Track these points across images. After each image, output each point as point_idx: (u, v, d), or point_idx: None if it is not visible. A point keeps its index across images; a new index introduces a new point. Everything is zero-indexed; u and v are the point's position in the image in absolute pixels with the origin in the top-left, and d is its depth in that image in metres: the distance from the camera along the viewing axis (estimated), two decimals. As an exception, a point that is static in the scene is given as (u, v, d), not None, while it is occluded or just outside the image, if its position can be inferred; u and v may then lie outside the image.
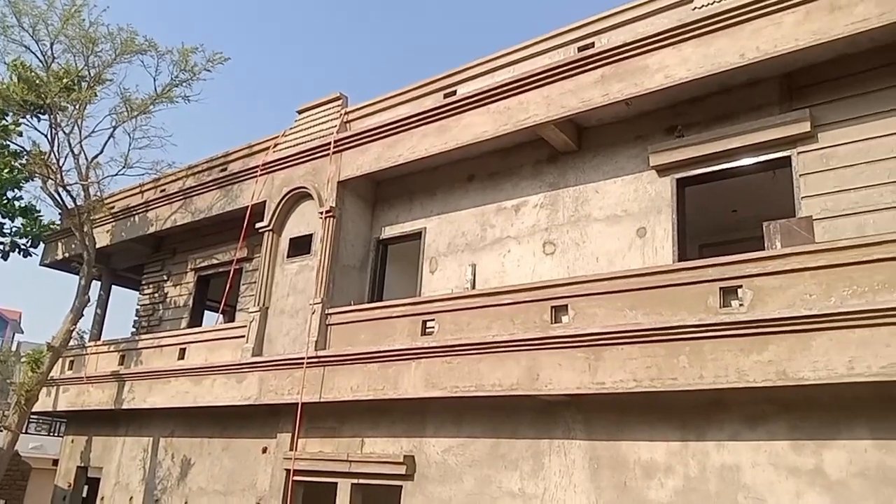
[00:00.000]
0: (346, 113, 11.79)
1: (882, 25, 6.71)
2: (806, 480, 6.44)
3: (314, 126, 12.01)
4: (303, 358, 10.06)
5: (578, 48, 9.31)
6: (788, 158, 7.56)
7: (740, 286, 6.90)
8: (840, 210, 7.09)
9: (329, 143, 11.13)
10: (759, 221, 7.43)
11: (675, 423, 7.29)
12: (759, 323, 6.54)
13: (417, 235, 10.67)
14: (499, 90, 9.32)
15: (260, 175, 12.07)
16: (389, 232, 11.10)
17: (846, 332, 6.07)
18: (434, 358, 8.70)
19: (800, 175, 7.42)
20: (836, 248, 6.48)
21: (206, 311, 14.65)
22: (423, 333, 9.18)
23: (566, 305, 8.00)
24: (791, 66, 7.60)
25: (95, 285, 15.32)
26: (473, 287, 9.56)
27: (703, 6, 8.10)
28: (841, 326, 6.10)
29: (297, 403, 9.96)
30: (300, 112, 12.52)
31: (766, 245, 7.16)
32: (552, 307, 8.09)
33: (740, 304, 6.86)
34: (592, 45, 9.15)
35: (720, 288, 7.03)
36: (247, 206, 12.04)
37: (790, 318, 6.38)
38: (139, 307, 15.08)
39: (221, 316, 14.57)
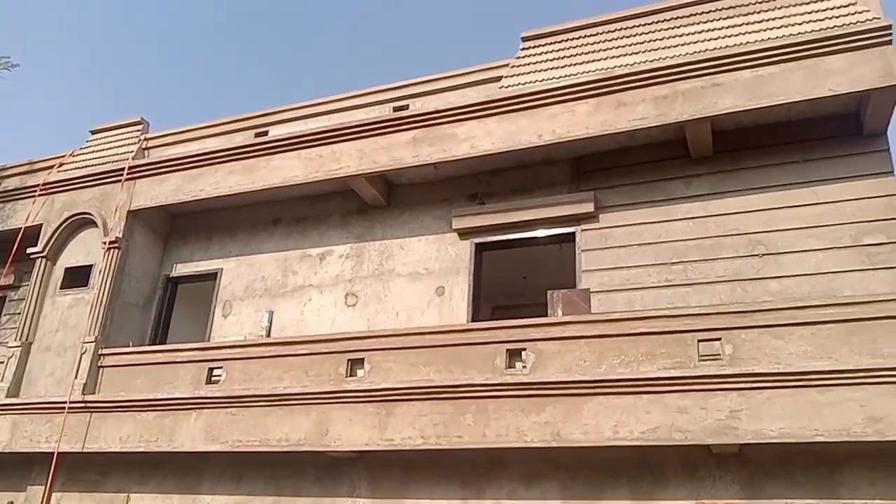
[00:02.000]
0: (146, 139, 11.11)
1: (658, 125, 7.63)
2: (571, 537, 6.84)
3: (108, 149, 11.15)
4: (66, 402, 9.04)
5: (393, 108, 9.59)
6: (573, 234, 8.23)
7: (525, 349, 7.33)
8: (614, 285, 7.81)
9: (123, 169, 10.35)
10: (545, 289, 7.97)
11: (457, 482, 7.45)
12: (538, 385, 6.96)
13: (213, 276, 10.15)
14: (313, 137, 9.28)
15: (39, 195, 10.89)
16: (182, 270, 10.46)
17: (613, 399, 6.63)
18: (218, 409, 8.23)
19: (582, 250, 8.10)
20: (608, 319, 7.12)
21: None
22: (209, 382, 8.67)
23: (363, 359, 7.98)
24: (581, 151, 8.36)
25: None
26: (269, 335, 9.24)
27: (509, 86, 8.70)
28: (609, 392, 6.66)
29: (54, 453, 8.90)
30: (94, 132, 11.59)
31: (549, 312, 7.68)
32: (349, 360, 8.04)
33: (524, 367, 7.26)
34: (407, 107, 9.47)
35: (507, 350, 7.41)
36: (19, 228, 10.78)
37: (566, 382, 6.85)
38: None
39: (-28, 349, 12.75)
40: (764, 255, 7.24)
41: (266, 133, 10.29)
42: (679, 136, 7.86)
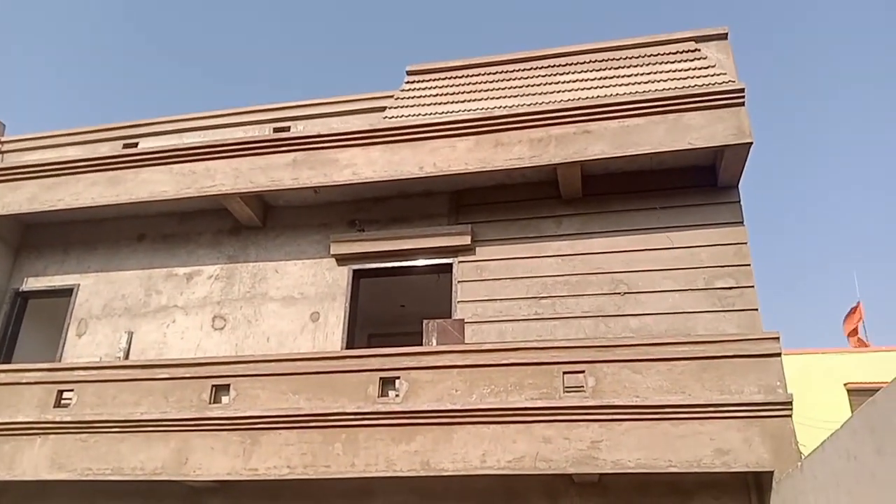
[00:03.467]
0: (1, 142, 10.28)
1: (532, 166, 7.99)
2: (436, 567, 6.88)
3: (-46, 149, 10.22)
4: None
5: (274, 129, 9.45)
6: (451, 265, 8.41)
7: (398, 377, 7.34)
8: (487, 316, 8.03)
9: (-29, 172, 9.52)
10: (422, 318, 8.07)
11: (323, 512, 7.31)
12: (410, 414, 6.99)
13: (68, 292, 9.48)
14: (186, 152, 8.96)
15: None
16: (33, 284, 9.70)
17: (482, 428, 6.78)
18: (67, 434, 7.65)
19: (458, 281, 8.28)
20: (480, 349, 7.30)
21: None
22: (58, 405, 8.02)
23: (228, 385, 7.69)
24: (460, 185, 8.60)
25: None
26: (127, 357, 8.72)
27: (393, 117, 8.83)
28: (478, 422, 6.80)
29: None
30: (-62, 130, 10.59)
31: (424, 341, 7.77)
32: (213, 386, 7.71)
33: (396, 395, 7.27)
34: (288, 128, 9.37)
35: (381, 378, 7.39)
36: None
37: (437, 411, 6.94)
38: None
39: None
40: (625, 293, 7.71)
41: (135, 145, 9.83)
42: (552, 178, 8.27)
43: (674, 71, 8.41)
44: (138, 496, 7.75)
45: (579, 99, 8.30)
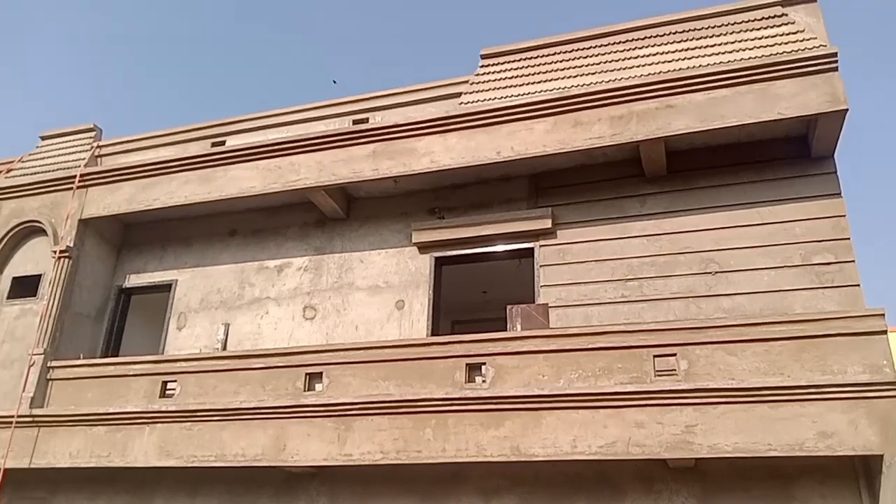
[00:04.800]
0: (99, 146, 10.85)
1: (613, 144, 7.80)
2: (529, 550, 6.92)
3: (59, 155, 10.86)
4: (13, 416, 8.76)
5: (353, 121, 9.58)
6: (532, 250, 8.34)
7: (484, 363, 7.39)
8: (572, 300, 7.94)
9: (74, 177, 10.10)
10: (505, 304, 8.06)
11: (416, 496, 7.46)
12: (498, 399, 7.02)
13: (167, 287, 9.96)
14: (271, 148, 9.21)
15: (-17, 202, 10.54)
16: (135, 281, 10.24)
17: (571, 413, 6.74)
18: (172, 423, 8.08)
19: (540, 266, 8.22)
20: (566, 334, 7.24)
21: None
22: (163, 395, 8.50)
23: (321, 373, 7.93)
24: (539, 168, 8.50)
25: None
26: (224, 348, 9.11)
27: (468, 102, 8.79)
28: (567, 407, 6.76)
29: (0, 469, 8.60)
30: (44, 138, 11.27)
31: (508, 326, 7.76)
32: (307, 374, 7.97)
33: (483, 381, 7.32)
34: (367, 120, 9.48)
35: (467, 364, 7.45)
36: (-39, 236, 10.40)
37: (525, 397, 6.94)
38: None
39: None
40: (717, 272, 7.46)
41: (223, 143, 10.17)
42: (634, 156, 8.06)
43: (760, 38, 8.00)
44: (240, 482, 8.11)
45: (660, 73, 8.03)
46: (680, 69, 7.98)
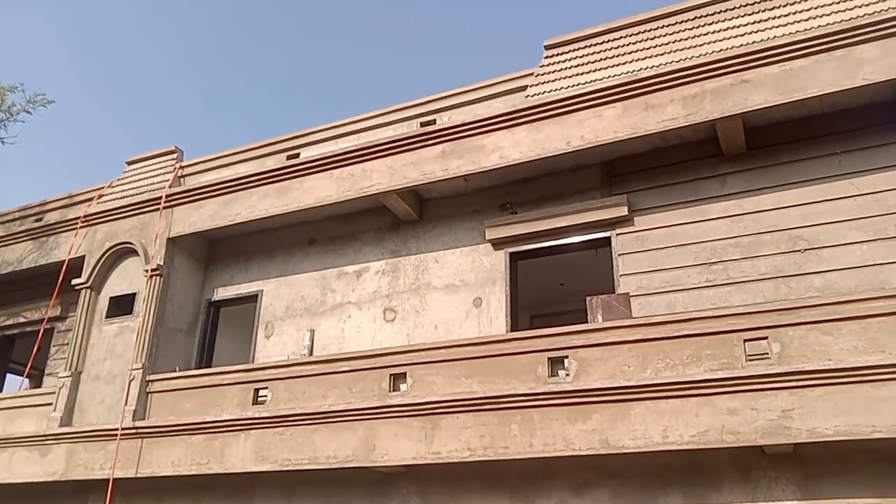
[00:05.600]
0: (181, 167, 11.32)
1: (687, 125, 7.59)
2: (625, 544, 6.80)
3: (145, 179, 11.39)
4: (118, 429, 9.24)
5: (421, 123, 9.67)
6: (609, 239, 8.20)
7: (567, 357, 7.30)
8: (653, 288, 7.76)
9: (160, 198, 10.58)
10: (584, 295, 7.96)
11: (506, 492, 7.45)
12: (583, 392, 6.93)
13: (253, 298, 10.31)
14: (344, 156, 9.39)
15: (80, 227, 11.18)
16: (223, 293, 10.64)
17: (660, 403, 6.58)
18: (265, 429, 8.34)
19: (618, 254, 8.07)
20: (650, 323, 7.08)
21: (8, 375, 13.10)
22: (255, 402, 8.79)
23: (405, 373, 8.03)
24: (611, 155, 8.35)
25: None
26: (311, 353, 9.35)
27: (534, 95, 8.73)
28: (656, 397, 6.61)
29: (109, 479, 9.09)
30: (130, 163, 11.85)
31: (589, 318, 7.65)
32: (391, 375, 8.08)
33: (567, 374, 7.24)
34: (434, 121, 9.54)
35: (549, 358, 7.39)
36: (63, 261, 11.06)
37: (611, 389, 6.82)
38: (-77, 370, 13.20)
39: (27, 381, 13.09)
40: (805, 250, 7.15)
41: (297, 155, 10.44)
42: (710, 135, 7.82)
43: (837, 2, 7.62)
44: (333, 483, 8.30)
45: (733, 48, 7.75)
46: (753, 42, 7.68)
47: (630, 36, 8.71)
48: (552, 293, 11.00)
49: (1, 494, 10.52)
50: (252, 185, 9.99)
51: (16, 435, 10.14)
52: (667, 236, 7.89)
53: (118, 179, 11.75)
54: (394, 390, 8.01)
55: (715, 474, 6.66)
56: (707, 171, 7.92)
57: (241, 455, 8.39)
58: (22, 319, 12.23)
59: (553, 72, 8.94)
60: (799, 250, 7.19)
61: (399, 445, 7.55)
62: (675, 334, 6.83)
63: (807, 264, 7.11)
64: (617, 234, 8.16)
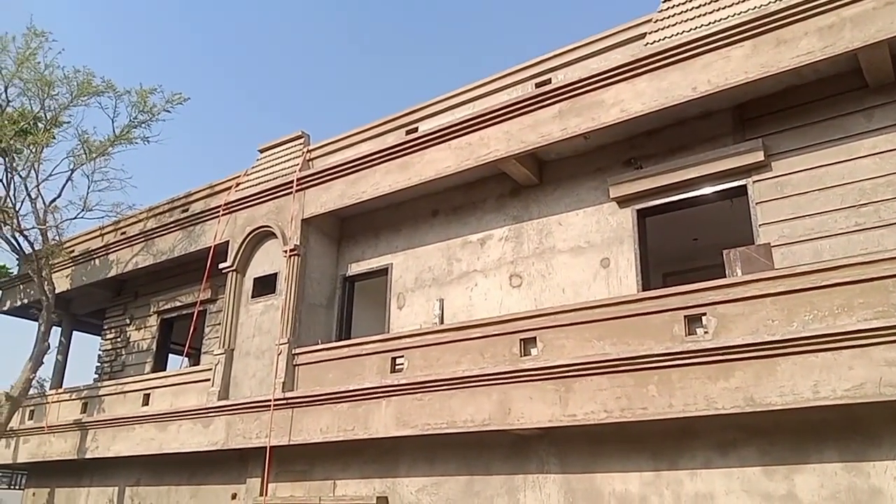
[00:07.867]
0: (309, 151, 11.80)
1: (825, 58, 6.98)
2: (777, 505, 6.51)
3: (276, 164, 11.98)
4: (270, 400, 9.90)
5: (536, 84, 9.49)
6: (744, 187, 7.75)
7: (704, 314, 7.01)
8: (797, 236, 7.28)
9: (292, 182, 11.10)
10: (720, 249, 7.58)
11: (647, 453, 7.32)
12: (724, 350, 6.64)
13: (384, 271, 10.65)
14: (460, 126, 9.42)
15: (222, 215, 11.96)
16: (356, 269, 11.06)
17: (809, 357, 6.19)
18: (405, 395, 8.64)
19: (756, 203, 7.61)
20: (795, 273, 6.64)
21: (170, 355, 14.36)
22: (393, 371, 9.12)
23: (535, 338, 8.03)
24: (742, 97, 7.84)
25: (55, 331, 14.94)
26: (442, 322, 9.55)
27: (655, 42, 8.33)
28: (804, 351, 6.23)
29: (266, 447, 9.78)
30: (262, 151, 12.48)
31: (727, 273, 7.29)
32: (521, 340, 8.11)
33: (705, 332, 6.96)
34: (549, 81, 9.34)
35: (685, 316, 7.12)
36: (209, 247, 11.91)
37: (754, 345, 6.49)
38: (101, 353, 14.73)
39: (186, 359, 14.30)
40: (973, 183, 6.43)
41: (416, 129, 10.59)
42: (852, 67, 7.16)
43: None
44: (473, 446, 8.49)
45: (875, -34, 7.01)
46: (899, -43, 6.91)
47: (756, -33, 8.08)
48: (685, 249, 10.57)
49: (173, 462, 11.61)
50: (375, 162, 10.25)
51: (181, 409, 11.11)
52: (809, 180, 7.35)
53: (252, 167, 12.43)
54: (525, 355, 8.04)
55: (873, 430, 6.21)
56: (851, 107, 7.28)
57: (383, 421, 8.75)
58: (178, 303, 13.34)
59: (673, 15, 8.47)
60: (965, 184, 6.47)
61: (534, 408, 7.59)
62: (824, 283, 6.38)
63: (976, 199, 6.40)
64: (754, 182, 7.69)
